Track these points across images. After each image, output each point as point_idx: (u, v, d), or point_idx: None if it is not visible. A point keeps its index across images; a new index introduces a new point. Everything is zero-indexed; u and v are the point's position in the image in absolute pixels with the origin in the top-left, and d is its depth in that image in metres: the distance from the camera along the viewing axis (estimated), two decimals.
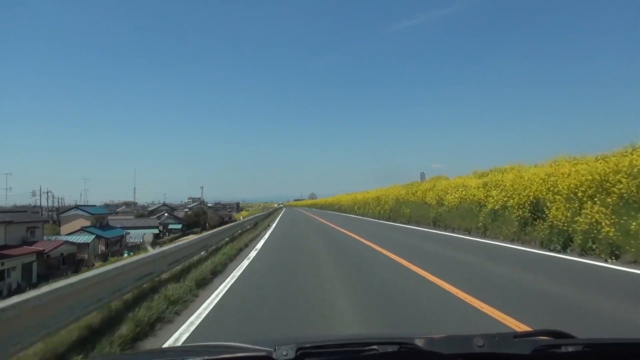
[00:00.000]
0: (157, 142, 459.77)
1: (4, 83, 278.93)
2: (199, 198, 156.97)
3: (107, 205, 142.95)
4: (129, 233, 59.98)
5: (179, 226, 78.33)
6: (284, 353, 1.23)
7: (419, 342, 1.30)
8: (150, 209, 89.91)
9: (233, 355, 1.37)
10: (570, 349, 1.29)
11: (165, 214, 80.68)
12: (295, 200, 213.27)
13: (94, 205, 61.59)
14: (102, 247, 50.08)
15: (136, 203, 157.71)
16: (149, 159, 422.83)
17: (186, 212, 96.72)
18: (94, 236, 46.40)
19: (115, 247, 53.59)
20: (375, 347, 1.30)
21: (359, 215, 34.72)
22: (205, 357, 1.35)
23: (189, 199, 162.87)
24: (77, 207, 50.85)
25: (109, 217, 75.74)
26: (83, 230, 48.73)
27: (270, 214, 44.68)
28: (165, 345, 4.38)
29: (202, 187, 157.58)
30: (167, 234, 75.49)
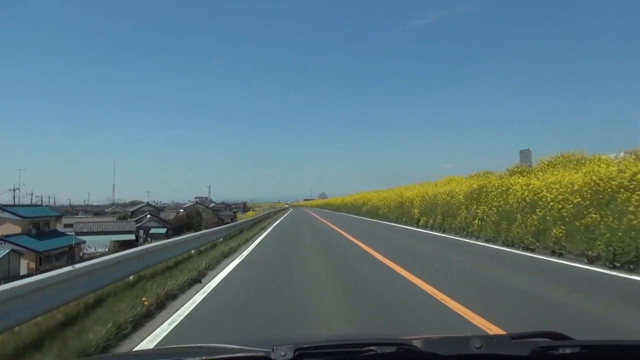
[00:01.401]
0: (166, 142, 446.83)
1: (4, 83, 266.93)
2: (207, 197, 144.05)
3: (113, 205, 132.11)
4: (84, 241, 44.39)
5: (163, 230, 62.90)
6: (282, 353, 1.19)
7: (417, 343, 1.26)
8: (131, 209, 74.53)
9: (231, 355, 1.32)
10: (567, 350, 1.25)
11: (148, 216, 65.18)
12: (305, 200, 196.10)
13: (35, 205, 45.90)
14: (31, 264, 34.66)
15: (143, 202, 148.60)
16: (155, 159, 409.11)
17: (178, 212, 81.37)
18: (7, 250, 30.83)
19: (59, 261, 37.65)
20: (373, 347, 1.26)
21: (429, 229, 18.39)
22: (203, 358, 1.30)
23: (195, 198, 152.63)
24: (1, 207, 35.16)
25: (77, 220, 60.89)
26: (3, 240, 33.35)
27: (255, 223, 27.23)
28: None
29: (209, 187, 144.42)
30: (148, 239, 60.23)
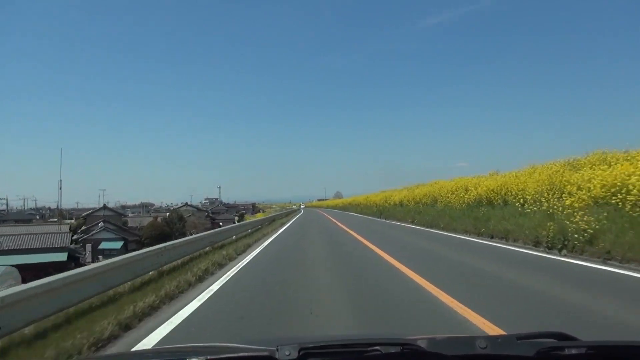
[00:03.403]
0: (177, 144, 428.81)
1: (6, 82, 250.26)
2: (217, 199, 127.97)
3: (123, 207, 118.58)
4: None
5: (118, 245, 41.76)
6: (287, 353, 1.15)
7: (422, 343, 1.22)
8: (83, 214, 53.48)
9: (235, 355, 1.29)
10: (573, 351, 1.21)
11: (100, 224, 44.02)
12: (319, 200, 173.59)
13: None
14: None
15: (153, 204, 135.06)
16: (165, 160, 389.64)
17: (156, 218, 60.21)
18: None
19: None
20: (377, 347, 1.22)
21: None
22: (208, 357, 1.26)
23: (205, 199, 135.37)
24: None
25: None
26: None
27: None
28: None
29: (219, 187, 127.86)
30: (99, 257, 39.22)
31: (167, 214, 67.02)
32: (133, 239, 44.69)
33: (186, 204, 72.05)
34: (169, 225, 55.60)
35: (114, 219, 47.05)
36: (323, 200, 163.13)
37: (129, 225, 58.44)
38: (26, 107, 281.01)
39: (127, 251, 37.64)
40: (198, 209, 72.08)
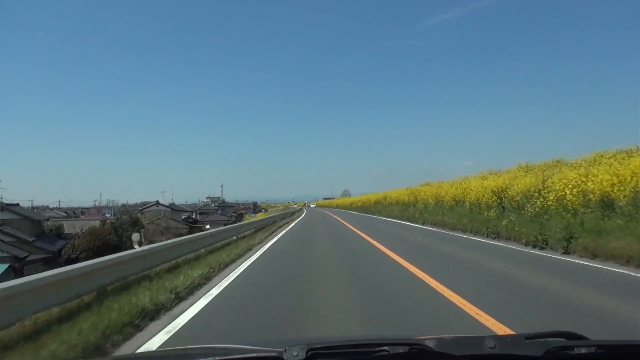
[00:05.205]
0: (181, 143, 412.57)
1: (7, 82, 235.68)
2: (219, 197, 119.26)
3: (124, 206, 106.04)
4: None
5: (1, 269, 24.26)
6: (295, 354, 1.15)
7: (430, 343, 1.21)
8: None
9: (243, 356, 1.29)
10: (583, 350, 1.20)
11: None
12: (325, 199, 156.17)
13: None
14: None
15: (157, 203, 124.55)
16: (167, 159, 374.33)
17: (104, 223, 42.62)
18: None
19: None
20: (385, 348, 1.21)
21: None
22: (216, 358, 1.26)
23: (207, 198, 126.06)
24: None
25: None
26: None
27: None
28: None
29: (221, 186, 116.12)
30: None
31: (121, 214, 49.06)
32: (38, 258, 27.02)
33: (157, 202, 54.48)
34: (116, 233, 38.57)
35: (19, 224, 29.46)
36: (330, 199, 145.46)
37: (65, 232, 41.28)
38: (26, 109, 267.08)
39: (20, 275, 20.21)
40: (173, 209, 54.45)
